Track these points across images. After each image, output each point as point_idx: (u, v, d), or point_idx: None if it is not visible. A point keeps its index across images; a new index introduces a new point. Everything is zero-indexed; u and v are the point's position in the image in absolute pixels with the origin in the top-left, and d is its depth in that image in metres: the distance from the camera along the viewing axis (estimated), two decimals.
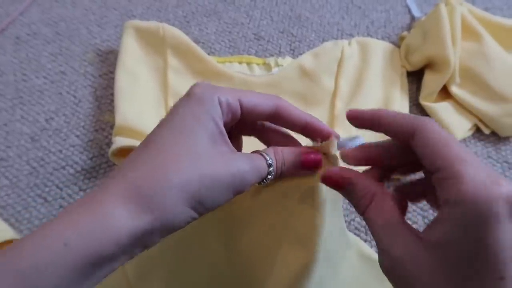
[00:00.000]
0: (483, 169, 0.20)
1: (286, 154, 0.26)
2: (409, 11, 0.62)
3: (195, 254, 0.33)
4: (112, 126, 0.48)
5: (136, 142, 0.42)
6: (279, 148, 0.26)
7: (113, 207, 0.20)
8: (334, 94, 0.50)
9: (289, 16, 0.60)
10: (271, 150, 0.26)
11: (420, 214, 0.45)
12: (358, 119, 0.26)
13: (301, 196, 0.28)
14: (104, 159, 0.46)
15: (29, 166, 0.45)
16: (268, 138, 0.29)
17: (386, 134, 0.25)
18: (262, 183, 0.25)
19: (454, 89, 0.50)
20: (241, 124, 0.26)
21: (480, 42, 0.51)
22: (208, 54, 0.53)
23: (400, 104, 0.50)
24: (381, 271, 0.23)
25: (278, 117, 0.26)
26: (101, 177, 0.45)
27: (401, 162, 0.25)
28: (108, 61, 0.53)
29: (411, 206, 0.45)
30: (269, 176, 0.25)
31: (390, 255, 0.22)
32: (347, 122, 0.48)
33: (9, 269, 0.18)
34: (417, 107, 0.52)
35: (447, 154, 0.20)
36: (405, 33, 0.57)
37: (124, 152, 0.44)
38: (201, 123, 0.23)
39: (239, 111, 0.25)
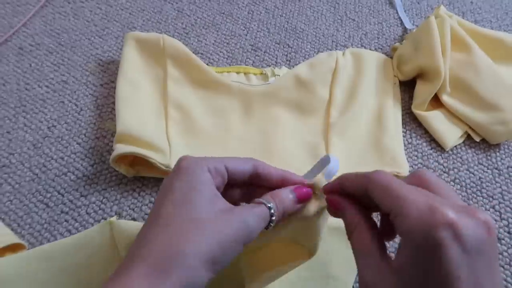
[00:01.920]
0: (424, 201, 0.22)
1: (283, 194, 0.28)
2: (401, 23, 0.64)
3: None
4: (113, 134, 0.49)
5: (136, 149, 0.43)
6: (275, 192, 0.28)
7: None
8: (329, 103, 0.52)
9: (285, 28, 0.62)
10: (268, 195, 0.28)
11: None
12: (331, 193, 0.29)
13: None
14: (105, 166, 0.47)
15: (31, 173, 0.46)
16: (260, 189, 0.30)
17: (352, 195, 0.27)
18: (267, 228, 0.27)
19: (445, 98, 0.52)
20: (231, 185, 0.29)
21: (469, 53, 0.53)
22: (207, 64, 0.54)
23: (393, 113, 0.52)
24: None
25: (257, 175, 0.29)
26: (101, 183, 0.46)
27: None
28: (109, 71, 0.55)
29: None
30: (272, 219, 0.27)
31: (364, 279, 0.24)
32: (341, 129, 0.51)
33: None
34: (409, 116, 0.54)
35: (392, 197, 0.23)
36: (397, 44, 0.59)
37: (125, 159, 0.45)
38: (198, 191, 0.25)
39: (226, 175, 0.28)
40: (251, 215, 0.25)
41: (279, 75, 0.54)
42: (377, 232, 0.26)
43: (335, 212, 0.29)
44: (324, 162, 0.30)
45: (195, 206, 0.25)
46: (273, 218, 0.26)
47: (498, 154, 0.52)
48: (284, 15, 0.64)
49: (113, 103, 0.50)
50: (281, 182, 0.29)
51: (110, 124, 0.50)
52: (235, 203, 0.29)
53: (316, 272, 0.40)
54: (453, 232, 0.20)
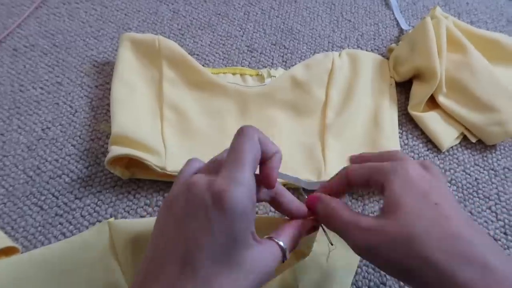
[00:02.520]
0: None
1: (295, 234, 0.29)
2: (398, 24, 0.64)
3: None
4: (108, 136, 0.49)
5: (131, 151, 0.43)
6: (291, 231, 0.29)
7: None
8: (325, 104, 0.51)
9: (281, 29, 0.62)
10: (286, 234, 0.28)
11: None
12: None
13: None
14: (100, 168, 0.47)
15: (25, 175, 0.46)
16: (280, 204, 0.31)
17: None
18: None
19: (441, 99, 0.52)
20: None
21: (465, 54, 0.53)
22: (203, 65, 0.54)
23: (389, 114, 0.52)
24: None
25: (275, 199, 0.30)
26: (96, 186, 0.46)
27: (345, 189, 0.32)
28: (104, 72, 0.55)
29: None
30: (285, 258, 0.27)
31: (360, 228, 0.27)
32: (337, 130, 0.51)
33: None
34: (405, 117, 0.54)
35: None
36: (393, 45, 0.59)
37: (120, 161, 0.45)
38: (240, 240, 0.24)
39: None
40: (270, 264, 0.26)
41: (275, 76, 0.54)
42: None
43: (311, 208, 0.31)
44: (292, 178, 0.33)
45: (235, 269, 0.23)
46: (286, 257, 0.27)
47: (494, 155, 0.52)
48: (280, 16, 0.64)
49: (108, 104, 0.50)
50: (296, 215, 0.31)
51: (105, 126, 0.50)
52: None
53: (313, 274, 0.40)
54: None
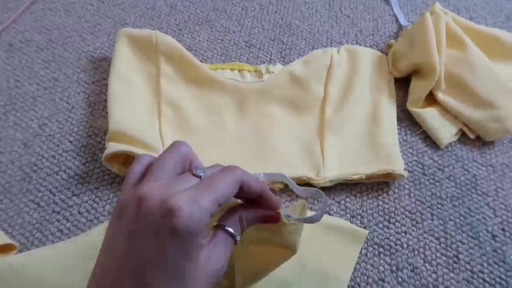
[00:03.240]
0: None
1: (249, 220, 0.28)
2: (397, 20, 0.64)
3: None
4: (105, 132, 0.48)
5: (129, 148, 0.43)
6: (242, 216, 0.28)
7: None
8: (324, 100, 0.51)
9: (279, 24, 0.62)
10: (236, 219, 0.27)
11: (408, 217, 0.46)
12: None
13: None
14: (97, 165, 0.46)
15: (22, 172, 0.46)
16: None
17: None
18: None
19: (440, 95, 0.52)
20: None
21: (464, 50, 0.52)
22: (201, 61, 0.54)
23: (388, 110, 0.52)
24: None
25: (240, 190, 0.27)
26: (94, 182, 0.45)
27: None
28: (101, 68, 0.54)
29: (399, 209, 0.46)
30: (236, 239, 0.27)
31: None
32: (336, 126, 0.51)
33: None
34: (404, 113, 0.54)
35: None
36: (392, 41, 0.59)
37: (117, 157, 0.45)
38: (191, 255, 0.23)
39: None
40: (223, 259, 0.25)
41: (273, 72, 0.53)
42: None
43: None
44: (323, 206, 0.31)
45: (187, 277, 0.23)
46: (237, 239, 0.27)
47: (492, 151, 0.52)
48: (278, 11, 0.63)
49: (105, 100, 0.49)
50: (259, 199, 0.29)
51: (102, 122, 0.49)
52: None
53: (312, 271, 0.40)
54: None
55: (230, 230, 0.27)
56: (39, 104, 0.50)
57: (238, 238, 0.27)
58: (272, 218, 0.29)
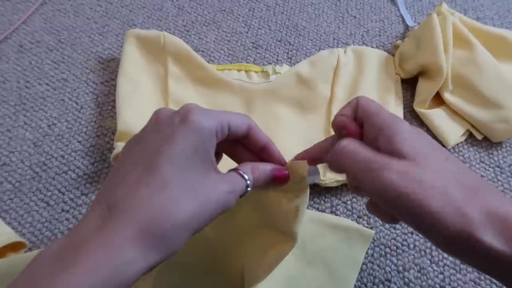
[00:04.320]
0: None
1: (261, 171, 0.29)
2: (403, 20, 0.64)
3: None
4: (113, 132, 0.49)
5: None
6: (256, 165, 0.29)
7: (128, 249, 0.21)
8: (330, 101, 0.51)
9: (286, 25, 0.62)
10: (248, 167, 0.28)
11: None
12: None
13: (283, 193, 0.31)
14: (105, 164, 0.47)
15: (32, 171, 0.46)
16: (238, 156, 0.31)
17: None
18: (241, 197, 0.28)
19: (447, 96, 0.52)
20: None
21: (471, 51, 0.52)
22: (208, 62, 0.54)
23: (394, 111, 0.52)
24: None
25: (247, 135, 0.29)
26: (102, 182, 0.46)
27: None
28: (109, 68, 0.55)
29: None
30: (246, 193, 0.27)
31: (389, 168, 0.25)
32: None
33: None
34: (411, 114, 0.54)
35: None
36: (399, 41, 0.59)
37: None
38: (200, 157, 0.24)
39: (227, 133, 0.27)
40: (232, 189, 0.26)
41: (280, 73, 0.54)
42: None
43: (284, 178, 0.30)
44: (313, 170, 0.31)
45: (194, 175, 0.24)
46: (248, 189, 0.27)
47: (500, 152, 0.52)
48: (285, 12, 0.64)
49: (114, 101, 0.50)
50: (264, 150, 0.30)
51: (111, 122, 0.50)
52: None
53: (318, 270, 0.41)
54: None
55: (243, 173, 0.27)
56: (48, 104, 0.51)
57: (250, 183, 0.27)
58: (284, 174, 0.29)
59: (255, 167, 0.28)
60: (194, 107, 0.25)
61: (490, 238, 0.23)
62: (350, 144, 0.28)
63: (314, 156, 0.32)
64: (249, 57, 0.58)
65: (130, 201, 0.22)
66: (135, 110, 0.47)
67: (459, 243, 0.24)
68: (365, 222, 0.45)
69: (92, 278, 0.20)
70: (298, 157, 0.32)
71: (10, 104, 0.51)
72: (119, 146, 0.44)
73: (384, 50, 0.58)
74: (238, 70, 0.54)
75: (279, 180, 0.29)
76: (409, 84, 0.56)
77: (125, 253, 0.21)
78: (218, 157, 0.30)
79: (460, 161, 0.29)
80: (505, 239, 0.23)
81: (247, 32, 0.60)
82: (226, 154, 0.31)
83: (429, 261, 0.43)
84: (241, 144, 0.30)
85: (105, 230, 0.21)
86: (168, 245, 0.22)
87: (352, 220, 0.45)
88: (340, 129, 0.30)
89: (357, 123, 0.30)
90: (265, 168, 0.29)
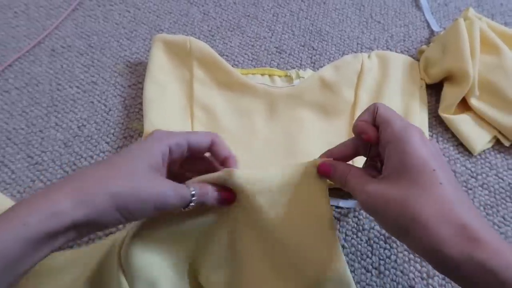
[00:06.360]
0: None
1: (208, 190, 0.33)
2: (428, 25, 0.64)
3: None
4: (140, 134, 0.50)
5: None
6: (204, 184, 0.33)
7: (63, 200, 0.26)
8: (354, 106, 0.51)
9: (310, 30, 0.62)
10: (197, 184, 0.33)
11: None
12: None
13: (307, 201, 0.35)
14: None
15: (62, 170, 0.48)
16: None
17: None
18: (185, 208, 0.31)
19: (473, 102, 0.51)
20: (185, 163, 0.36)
21: (499, 56, 0.52)
22: (232, 66, 0.55)
23: (419, 116, 0.51)
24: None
25: (211, 150, 0.36)
26: None
27: (355, 151, 0.36)
28: (137, 72, 0.56)
29: None
30: (191, 204, 0.31)
31: (365, 191, 0.30)
32: None
33: None
34: (436, 119, 0.53)
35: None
36: (424, 46, 0.58)
37: None
38: (148, 154, 0.31)
39: (186, 149, 0.34)
40: (173, 191, 0.30)
41: (303, 77, 0.54)
42: (363, 170, 0.33)
43: (327, 169, 0.34)
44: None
45: (137, 163, 0.30)
46: (192, 204, 0.31)
47: None
48: (309, 17, 0.64)
49: (141, 103, 0.51)
50: (225, 162, 0.35)
51: (138, 124, 0.51)
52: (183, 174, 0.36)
53: (318, 273, 0.39)
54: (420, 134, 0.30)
55: (189, 186, 0.32)
56: (78, 106, 0.53)
57: (195, 193, 0.31)
58: (228, 197, 0.34)
59: (205, 185, 0.33)
60: (155, 134, 0.33)
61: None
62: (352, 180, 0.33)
63: (337, 156, 0.35)
64: (272, 62, 0.58)
65: (80, 174, 0.29)
66: (161, 113, 0.48)
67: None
68: None
69: (31, 218, 0.25)
70: (322, 157, 0.35)
71: (42, 106, 0.53)
72: None
73: (409, 55, 0.58)
74: (262, 75, 0.55)
75: (223, 200, 0.34)
76: (433, 89, 0.55)
77: (59, 203, 0.26)
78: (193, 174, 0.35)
79: (458, 186, 0.29)
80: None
81: (271, 37, 0.61)
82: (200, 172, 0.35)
83: None
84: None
85: (51, 188, 0.27)
86: (93, 206, 0.27)
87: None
88: (360, 134, 0.33)
89: (375, 128, 0.33)
90: (214, 189, 0.33)
